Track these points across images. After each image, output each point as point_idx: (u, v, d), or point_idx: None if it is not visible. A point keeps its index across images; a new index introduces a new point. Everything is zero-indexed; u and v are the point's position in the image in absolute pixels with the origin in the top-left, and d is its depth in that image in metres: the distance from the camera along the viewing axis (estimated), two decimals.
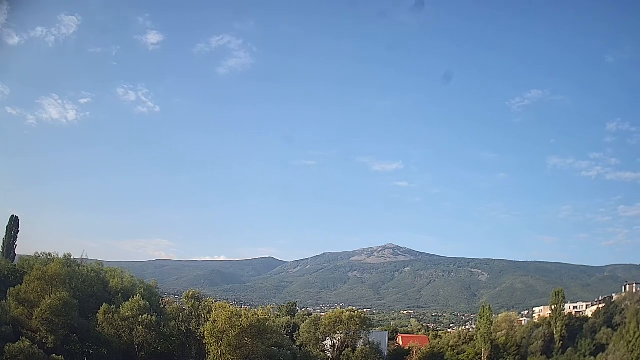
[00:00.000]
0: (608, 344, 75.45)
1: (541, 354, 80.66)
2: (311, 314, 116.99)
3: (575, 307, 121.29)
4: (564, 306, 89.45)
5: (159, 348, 60.58)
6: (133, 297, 59.73)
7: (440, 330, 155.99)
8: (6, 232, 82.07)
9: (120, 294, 63.22)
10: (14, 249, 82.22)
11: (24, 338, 47.28)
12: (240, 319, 57.57)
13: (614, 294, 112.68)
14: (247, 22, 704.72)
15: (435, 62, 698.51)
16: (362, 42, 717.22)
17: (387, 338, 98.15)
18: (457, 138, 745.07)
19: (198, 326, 62.15)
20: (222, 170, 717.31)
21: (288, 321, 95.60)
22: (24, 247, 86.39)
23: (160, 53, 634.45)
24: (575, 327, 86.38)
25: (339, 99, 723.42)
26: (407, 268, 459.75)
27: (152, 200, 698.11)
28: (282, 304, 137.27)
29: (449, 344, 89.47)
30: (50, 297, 51.48)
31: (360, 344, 78.10)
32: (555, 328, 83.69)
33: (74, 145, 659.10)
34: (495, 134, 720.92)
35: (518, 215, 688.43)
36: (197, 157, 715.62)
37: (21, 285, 54.70)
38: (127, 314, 56.37)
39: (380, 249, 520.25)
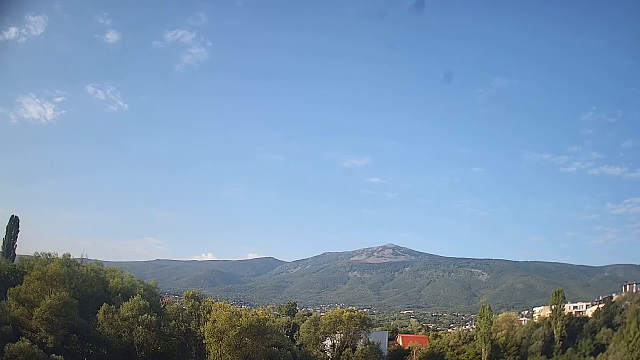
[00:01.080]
0: (608, 344, 75.46)
1: (541, 354, 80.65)
2: (311, 314, 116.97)
3: (575, 307, 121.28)
4: (564, 306, 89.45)
5: (159, 348, 60.49)
6: (133, 297, 59.64)
7: (440, 330, 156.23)
8: (6, 232, 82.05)
9: (120, 294, 63.18)
10: (14, 249, 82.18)
11: (24, 338, 47.18)
12: (240, 319, 57.55)
13: (614, 294, 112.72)
14: (199, 16, 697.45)
15: (398, 54, 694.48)
16: (321, 36, 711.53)
17: (387, 338, 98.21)
18: (425, 130, 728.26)
19: (198, 326, 62.10)
20: (218, 170, 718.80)
21: (288, 321, 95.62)
22: (24, 247, 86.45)
23: (120, 51, 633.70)
24: (575, 327, 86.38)
25: (299, 92, 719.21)
26: (407, 268, 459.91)
27: (149, 199, 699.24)
28: (282, 304, 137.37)
29: (449, 344, 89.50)
30: (50, 297, 51.44)
31: (360, 344, 78.06)
32: (555, 328, 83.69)
33: (56, 144, 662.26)
34: (465, 126, 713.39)
35: (498, 212, 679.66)
36: (184, 155, 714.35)
37: (21, 285, 54.65)
38: (127, 314, 56.29)
39: (380, 249, 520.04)
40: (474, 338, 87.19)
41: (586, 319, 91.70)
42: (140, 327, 55.87)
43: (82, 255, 79.66)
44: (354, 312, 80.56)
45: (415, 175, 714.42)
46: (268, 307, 76.99)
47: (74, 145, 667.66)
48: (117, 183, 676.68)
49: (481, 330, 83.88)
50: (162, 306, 72.48)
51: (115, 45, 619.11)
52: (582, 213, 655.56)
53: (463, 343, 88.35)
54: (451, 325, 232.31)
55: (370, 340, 79.31)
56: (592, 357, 75.24)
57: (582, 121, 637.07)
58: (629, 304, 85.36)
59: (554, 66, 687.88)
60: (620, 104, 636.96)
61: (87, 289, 61.84)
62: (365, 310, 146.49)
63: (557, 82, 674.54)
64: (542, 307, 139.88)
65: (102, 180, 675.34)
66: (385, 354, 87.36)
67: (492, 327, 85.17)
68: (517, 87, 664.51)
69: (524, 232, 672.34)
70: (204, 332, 58.23)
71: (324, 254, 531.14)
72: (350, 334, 77.71)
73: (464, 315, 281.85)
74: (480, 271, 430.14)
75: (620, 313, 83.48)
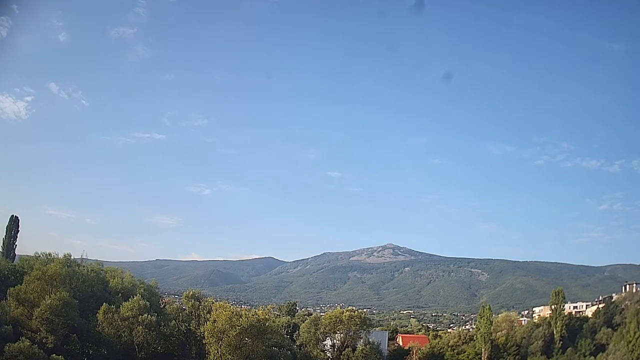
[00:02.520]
0: (608, 344, 75.46)
1: (541, 354, 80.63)
2: (311, 314, 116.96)
3: (575, 307, 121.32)
4: (564, 306, 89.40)
5: (159, 348, 60.59)
6: (133, 297, 59.67)
7: (440, 330, 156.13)
8: (6, 232, 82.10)
9: (120, 294, 63.20)
10: (14, 249, 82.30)
11: (24, 338, 47.21)
12: (240, 319, 57.59)
13: (614, 294, 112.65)
14: (138, 12, 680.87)
15: (339, 45, 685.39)
16: (250, 27, 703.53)
17: (387, 338, 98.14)
18: (375, 121, 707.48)
19: (198, 326, 62.15)
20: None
21: (288, 321, 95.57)
22: (24, 247, 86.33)
23: (72, 50, 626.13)
24: (575, 327, 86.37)
25: (243, 84, 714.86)
26: (407, 268, 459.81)
27: (143, 199, 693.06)
28: (282, 304, 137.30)
29: (449, 344, 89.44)
30: (50, 297, 51.46)
31: (360, 344, 78.03)
32: (555, 328, 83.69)
33: (39, 143, 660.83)
34: (418, 113, 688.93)
35: (467, 208, 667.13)
36: (163, 154, 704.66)
37: (21, 285, 54.66)
38: (127, 314, 56.34)
39: (380, 249, 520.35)
40: (474, 338, 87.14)
41: (586, 319, 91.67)
42: (140, 327, 55.90)
43: (82, 255, 79.77)
44: (354, 312, 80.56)
45: (376, 169, 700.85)
46: (268, 307, 76.97)
47: (52, 144, 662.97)
48: (104, 182, 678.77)
49: (481, 330, 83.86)
50: (162, 306, 72.45)
51: (67, 44, 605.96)
52: (561, 210, 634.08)
53: (463, 343, 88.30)
54: (451, 325, 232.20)
55: (370, 340, 79.28)
56: (592, 357, 75.22)
57: (546, 108, 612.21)
58: (629, 304, 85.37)
59: (507, 47, 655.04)
60: (587, 90, 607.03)
61: (87, 289, 61.84)
62: (365, 310, 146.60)
63: (512, 64, 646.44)
64: (542, 307, 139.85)
65: (86, 178, 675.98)
66: (385, 354, 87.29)
67: (492, 327, 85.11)
68: (468, 70, 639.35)
69: (500, 229, 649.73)
70: (204, 332, 58.26)
71: (324, 254, 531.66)
72: (350, 334, 77.70)
73: (464, 315, 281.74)
74: (480, 271, 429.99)
75: (620, 313, 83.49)
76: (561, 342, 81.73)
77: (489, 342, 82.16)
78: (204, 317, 62.06)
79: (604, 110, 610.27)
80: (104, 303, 57.57)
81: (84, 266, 69.98)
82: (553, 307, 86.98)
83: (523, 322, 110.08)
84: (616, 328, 77.91)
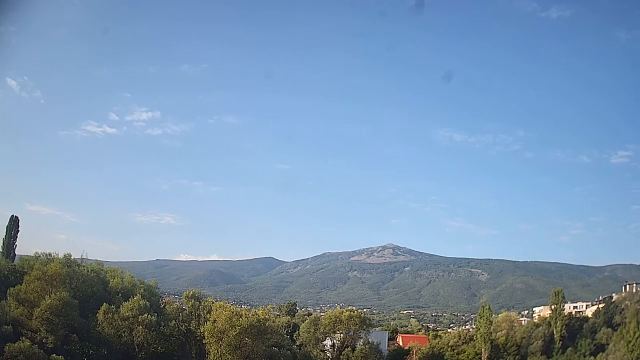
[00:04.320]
0: (608, 344, 75.49)
1: (541, 354, 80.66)
2: (311, 314, 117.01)
3: (575, 307, 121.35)
4: (563, 306, 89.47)
5: (159, 348, 60.55)
6: (133, 297, 59.61)
7: (440, 330, 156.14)
8: (6, 232, 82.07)
9: (120, 294, 63.13)
10: (14, 249, 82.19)
11: (24, 338, 47.24)
12: (241, 319, 57.55)
13: (614, 294, 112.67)
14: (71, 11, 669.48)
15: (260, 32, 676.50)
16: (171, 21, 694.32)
17: (387, 338, 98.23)
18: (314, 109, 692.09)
19: (198, 326, 62.13)
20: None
21: (288, 321, 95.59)
22: (24, 247, 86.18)
23: (24, 51, 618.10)
24: (575, 327, 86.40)
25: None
26: (407, 268, 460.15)
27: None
28: (282, 304, 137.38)
29: (449, 344, 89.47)
30: (50, 297, 51.42)
31: (360, 344, 78.02)
32: (555, 328, 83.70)
33: (11, 140, 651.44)
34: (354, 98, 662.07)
35: (427, 202, 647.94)
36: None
37: (21, 285, 54.63)
38: (127, 314, 56.27)
39: (380, 249, 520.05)
40: (474, 338, 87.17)
41: (586, 319, 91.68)
42: (140, 327, 55.87)
43: (82, 255, 79.77)
44: (354, 312, 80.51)
45: (323, 160, 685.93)
46: (268, 307, 77.11)
47: (22, 141, 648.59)
48: (78, 177, 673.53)
49: (481, 330, 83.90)
50: (162, 306, 72.42)
51: (20, 45, 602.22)
52: (533, 205, 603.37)
53: (463, 343, 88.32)
54: (451, 325, 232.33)
55: (370, 340, 79.22)
56: (592, 357, 75.26)
57: (498, 92, 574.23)
58: (629, 304, 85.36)
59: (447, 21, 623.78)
60: (539, 67, 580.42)
61: (87, 289, 61.79)
62: (365, 310, 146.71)
63: (450, 41, 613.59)
64: (542, 307, 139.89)
65: (62, 174, 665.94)
66: (385, 354, 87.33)
67: (492, 327, 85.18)
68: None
69: (470, 226, 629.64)
70: (204, 332, 58.24)
71: (324, 254, 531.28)
72: (350, 334, 77.67)
73: (464, 315, 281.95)
74: (480, 271, 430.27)
75: (620, 313, 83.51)
76: (561, 342, 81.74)
77: (489, 342, 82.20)
78: (204, 317, 62.02)
79: (566, 92, 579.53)
80: (104, 303, 57.47)
81: (84, 266, 69.90)
82: (553, 307, 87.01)
83: (523, 322, 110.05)
84: (616, 328, 77.94)
